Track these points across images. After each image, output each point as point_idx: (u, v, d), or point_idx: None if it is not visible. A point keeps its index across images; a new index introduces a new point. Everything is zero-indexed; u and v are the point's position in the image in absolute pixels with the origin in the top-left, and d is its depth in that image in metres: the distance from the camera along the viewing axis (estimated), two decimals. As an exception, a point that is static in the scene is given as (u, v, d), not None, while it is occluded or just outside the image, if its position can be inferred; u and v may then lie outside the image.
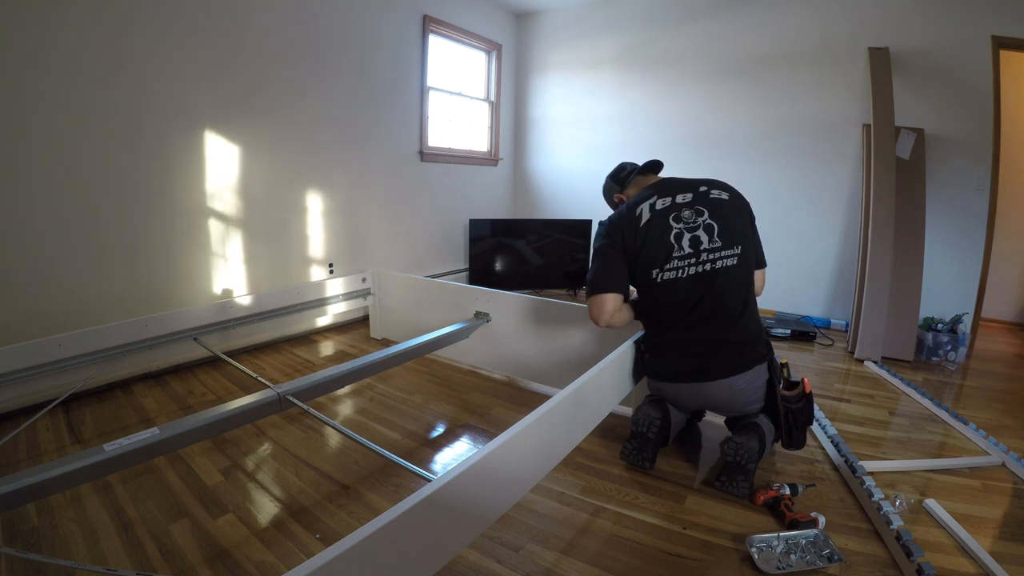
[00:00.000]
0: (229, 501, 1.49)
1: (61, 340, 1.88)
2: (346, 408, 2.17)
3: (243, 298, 2.51)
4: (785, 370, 1.72)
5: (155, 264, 2.42)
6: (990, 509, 1.52)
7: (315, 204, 3.12)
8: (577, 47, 4.43)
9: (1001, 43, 2.92)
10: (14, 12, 1.89)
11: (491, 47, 4.46)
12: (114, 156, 2.23)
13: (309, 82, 2.97)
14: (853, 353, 2.94)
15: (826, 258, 3.56)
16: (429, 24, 3.74)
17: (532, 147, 4.81)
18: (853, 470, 1.66)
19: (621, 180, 1.81)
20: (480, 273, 4.17)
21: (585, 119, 4.46)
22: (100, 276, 2.24)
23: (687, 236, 1.56)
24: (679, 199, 1.60)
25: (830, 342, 3.21)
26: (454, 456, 1.82)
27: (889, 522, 1.37)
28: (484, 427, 2.01)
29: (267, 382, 1.72)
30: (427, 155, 3.88)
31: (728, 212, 1.59)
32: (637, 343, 1.76)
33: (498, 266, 4.25)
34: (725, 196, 1.62)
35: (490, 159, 4.63)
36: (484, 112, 4.57)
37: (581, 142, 4.51)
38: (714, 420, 1.96)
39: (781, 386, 1.66)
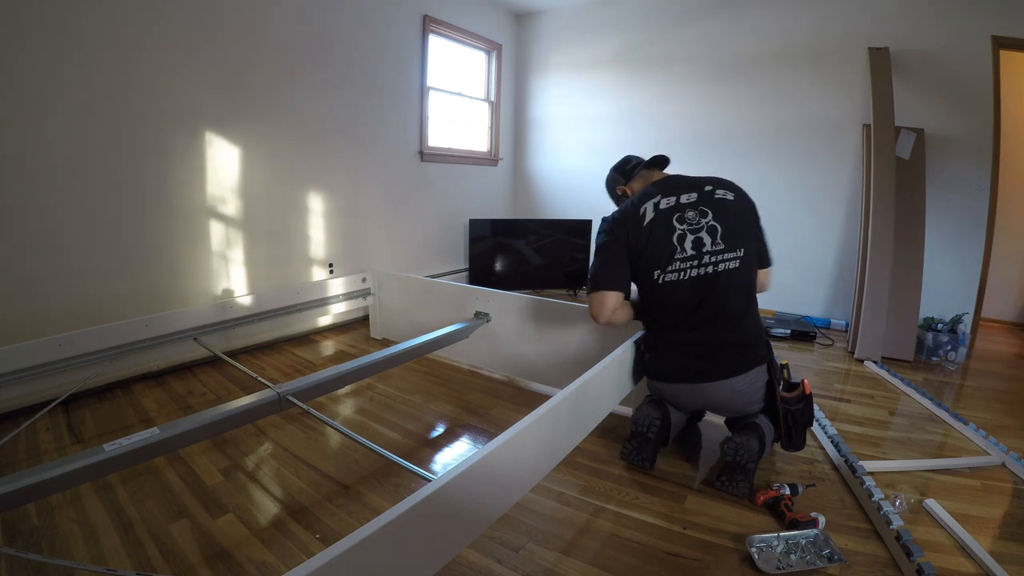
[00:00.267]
0: (229, 501, 1.49)
1: (61, 340, 1.88)
2: (346, 408, 2.17)
3: (243, 298, 2.52)
4: (785, 371, 1.71)
5: (155, 264, 2.42)
6: (990, 509, 1.52)
7: (315, 204, 3.12)
8: (577, 47, 4.43)
9: (1001, 43, 2.92)
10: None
11: (491, 47, 4.46)
12: (116, 157, 2.23)
13: (309, 82, 2.97)
14: (853, 353, 2.94)
15: (826, 258, 3.56)
16: (429, 24, 3.74)
17: (532, 147, 4.80)
18: (853, 470, 1.66)
19: (626, 173, 1.79)
20: (480, 273, 4.17)
21: (585, 119, 4.45)
22: (100, 276, 2.24)
23: (690, 238, 1.54)
24: (683, 199, 1.58)
25: (830, 342, 3.21)
26: (454, 456, 1.82)
27: (889, 522, 1.37)
28: (484, 427, 2.01)
29: (267, 382, 1.72)
30: (427, 155, 3.88)
31: (732, 213, 1.57)
32: (637, 343, 1.75)
33: (498, 266, 4.25)
34: (730, 196, 1.59)
35: (490, 159, 4.63)
36: (484, 112, 4.57)
37: (581, 142, 4.50)
38: (714, 420, 1.95)
39: (781, 387, 1.66)
